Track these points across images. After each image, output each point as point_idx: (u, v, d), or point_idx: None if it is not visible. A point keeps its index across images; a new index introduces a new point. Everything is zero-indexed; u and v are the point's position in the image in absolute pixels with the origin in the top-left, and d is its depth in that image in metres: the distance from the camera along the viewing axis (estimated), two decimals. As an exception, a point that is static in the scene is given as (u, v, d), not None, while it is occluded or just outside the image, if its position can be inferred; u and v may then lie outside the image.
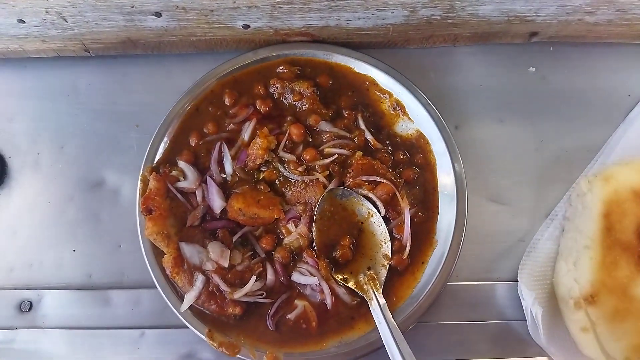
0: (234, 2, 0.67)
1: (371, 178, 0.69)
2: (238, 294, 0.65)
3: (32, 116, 0.80)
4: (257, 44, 0.76)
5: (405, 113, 0.74)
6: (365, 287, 0.66)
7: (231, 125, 0.73)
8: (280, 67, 0.75)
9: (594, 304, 0.62)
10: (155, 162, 0.71)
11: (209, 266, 0.66)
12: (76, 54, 0.80)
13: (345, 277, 0.67)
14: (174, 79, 0.78)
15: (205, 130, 0.73)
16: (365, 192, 0.69)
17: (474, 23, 0.74)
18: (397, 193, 0.69)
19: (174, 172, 0.70)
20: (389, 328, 0.62)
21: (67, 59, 0.81)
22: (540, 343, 0.66)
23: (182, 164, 0.70)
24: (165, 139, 0.72)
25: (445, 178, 0.71)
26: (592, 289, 0.62)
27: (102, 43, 0.77)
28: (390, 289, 0.67)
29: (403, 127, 0.74)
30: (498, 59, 0.80)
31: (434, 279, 0.66)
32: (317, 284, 0.67)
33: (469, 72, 0.79)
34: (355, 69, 0.76)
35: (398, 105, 0.74)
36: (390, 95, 0.75)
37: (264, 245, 0.69)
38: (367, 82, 0.75)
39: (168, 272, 0.66)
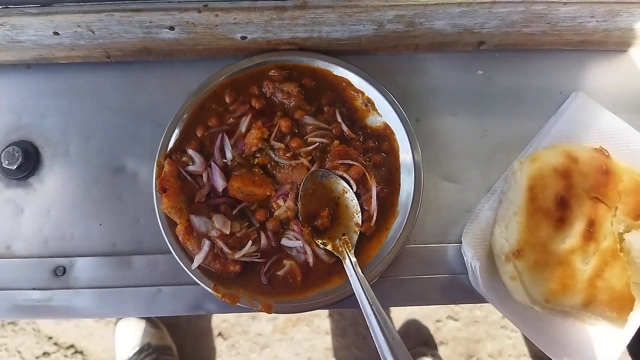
0: (235, 19, 0.82)
1: (345, 161, 0.83)
2: (238, 255, 0.79)
3: (61, 113, 0.93)
4: (252, 52, 0.91)
5: (374, 108, 0.88)
6: (340, 249, 0.81)
7: (231, 120, 0.86)
8: (272, 71, 0.89)
9: (519, 257, 0.77)
10: (168, 150, 0.85)
11: (214, 233, 0.80)
12: (99, 60, 0.94)
13: (324, 241, 0.82)
14: (182, 81, 0.91)
15: (209, 123, 0.86)
16: (340, 173, 0.84)
17: (431, 35, 0.89)
18: (367, 173, 0.83)
19: (184, 158, 0.84)
20: (359, 280, 0.76)
21: (91, 64, 0.95)
22: (480, 291, 0.82)
23: (190, 151, 0.84)
24: (177, 130, 0.85)
25: (406, 161, 0.85)
26: (518, 246, 0.78)
27: (122, 51, 0.91)
28: (360, 250, 0.81)
29: (373, 120, 0.88)
30: (452, 64, 0.94)
31: (394, 242, 0.81)
32: (301, 246, 0.81)
33: (428, 74, 0.94)
34: (334, 72, 0.89)
35: (369, 102, 0.88)
36: (363, 93, 0.88)
37: (258, 217, 0.83)
38: (344, 83, 0.89)
39: (180, 239, 0.80)
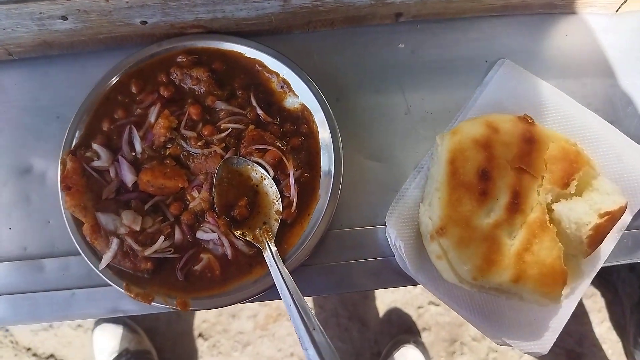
0: (127, 2, 0.77)
1: (260, 146, 0.80)
2: (148, 251, 0.76)
3: (-35, 116, 0.89)
4: (158, 38, 0.87)
5: (291, 90, 0.84)
6: (260, 238, 0.77)
7: (138, 110, 0.83)
8: (179, 57, 0.85)
9: (443, 235, 0.74)
10: (72, 146, 0.81)
11: (122, 230, 0.76)
12: (0, 58, 0.89)
13: (244, 232, 0.78)
14: (89, 73, 0.87)
15: (115, 116, 0.83)
16: (256, 159, 0.80)
17: (343, 8, 0.85)
18: (284, 157, 0.80)
19: (88, 154, 0.80)
20: (279, 269, 0.73)
21: (-7, 62, 0.90)
22: (409, 273, 0.79)
23: (95, 146, 0.80)
24: (80, 126, 0.82)
25: (325, 142, 0.82)
26: (441, 223, 0.74)
27: (22, 47, 0.86)
28: (282, 238, 0.78)
29: (290, 102, 0.85)
30: (372, 38, 0.90)
31: (315, 227, 0.78)
32: (218, 239, 0.78)
33: (347, 51, 0.90)
34: (246, 54, 0.86)
35: (285, 84, 0.84)
36: (278, 75, 0.85)
37: (172, 211, 0.79)
38: (257, 65, 0.85)
39: (88, 239, 0.77)
